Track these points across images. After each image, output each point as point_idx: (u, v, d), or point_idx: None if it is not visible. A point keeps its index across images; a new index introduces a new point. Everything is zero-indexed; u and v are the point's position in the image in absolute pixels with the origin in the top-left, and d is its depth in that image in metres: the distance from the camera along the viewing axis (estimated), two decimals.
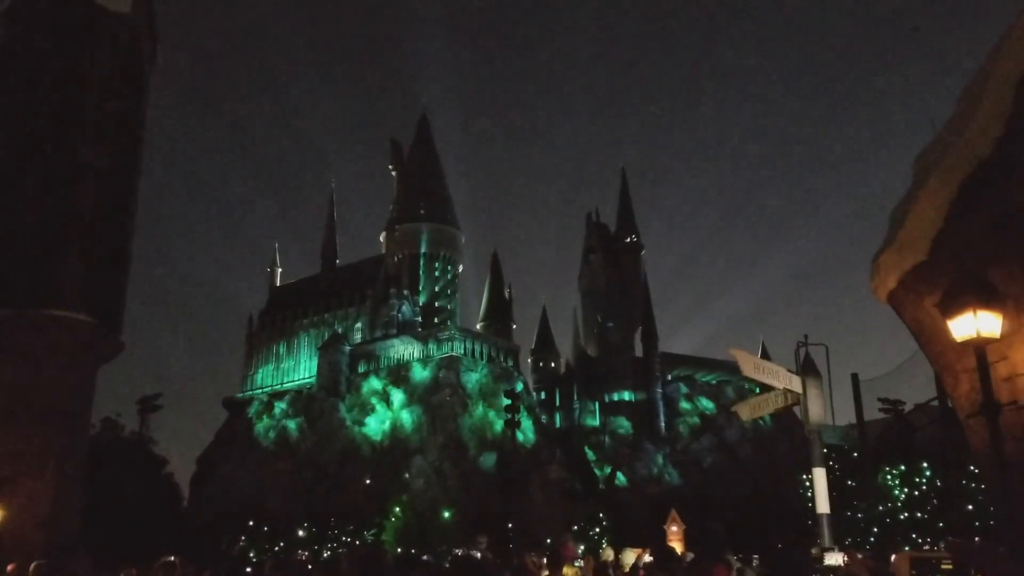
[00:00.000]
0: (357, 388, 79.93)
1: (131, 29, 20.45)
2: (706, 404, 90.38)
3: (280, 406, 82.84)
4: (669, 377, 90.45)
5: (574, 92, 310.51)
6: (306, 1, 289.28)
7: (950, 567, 5.92)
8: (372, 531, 60.08)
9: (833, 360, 11.44)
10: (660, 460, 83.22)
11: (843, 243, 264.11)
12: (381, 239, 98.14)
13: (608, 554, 11.36)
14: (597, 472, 75.26)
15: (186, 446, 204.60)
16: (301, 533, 58.96)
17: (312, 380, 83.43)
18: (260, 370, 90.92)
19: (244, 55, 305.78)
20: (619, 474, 77.44)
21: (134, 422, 45.35)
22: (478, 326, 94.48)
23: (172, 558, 9.90)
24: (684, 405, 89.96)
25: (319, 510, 63.95)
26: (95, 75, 18.94)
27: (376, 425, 77.09)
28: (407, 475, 71.15)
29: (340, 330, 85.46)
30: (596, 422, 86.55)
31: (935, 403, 13.04)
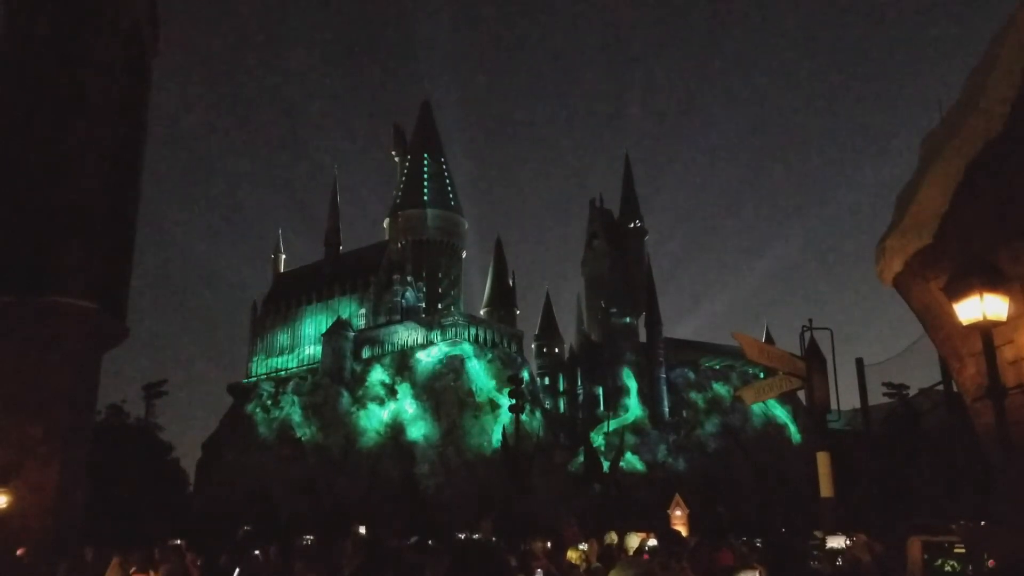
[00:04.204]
0: (362, 379, 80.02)
1: (132, 14, 20.39)
2: (712, 389, 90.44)
3: (284, 392, 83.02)
4: (673, 362, 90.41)
5: (578, 77, 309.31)
6: None
7: (962, 551, 5.91)
8: (376, 517, 60.28)
9: (838, 344, 11.40)
10: (664, 445, 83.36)
11: (848, 227, 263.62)
12: (384, 225, 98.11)
13: (612, 538, 11.38)
14: (601, 457, 75.32)
15: (192, 432, 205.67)
16: (306, 518, 59.20)
17: (316, 366, 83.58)
18: (264, 356, 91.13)
19: (246, 40, 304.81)
20: (628, 456, 77.57)
21: (140, 408, 45.61)
22: (482, 312, 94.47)
23: (178, 542, 9.97)
24: (688, 390, 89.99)
25: (323, 496, 64.22)
26: (96, 60, 18.88)
27: (380, 412, 77.27)
28: (411, 461, 71.41)
29: (344, 316, 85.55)
30: (600, 407, 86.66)
31: (940, 387, 12.99)
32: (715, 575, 6.05)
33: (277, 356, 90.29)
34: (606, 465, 72.30)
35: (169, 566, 8.68)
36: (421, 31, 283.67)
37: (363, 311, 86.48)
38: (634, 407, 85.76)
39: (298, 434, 77.72)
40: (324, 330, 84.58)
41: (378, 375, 79.62)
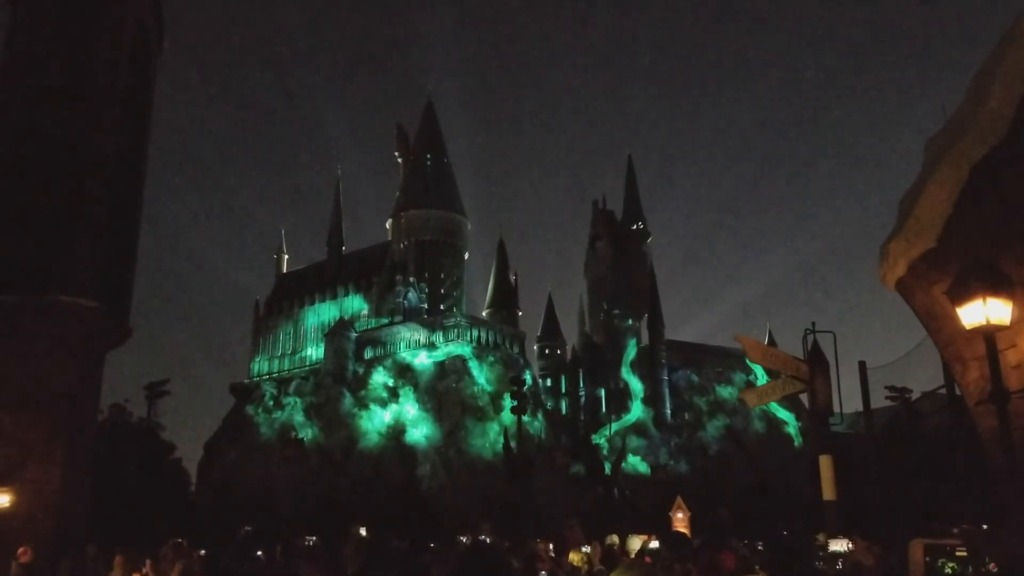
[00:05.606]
0: (364, 380, 79.97)
1: (137, 14, 20.43)
2: (715, 391, 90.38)
3: (286, 393, 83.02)
4: (676, 365, 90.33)
5: (582, 78, 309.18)
6: None
7: (964, 554, 5.92)
8: (377, 518, 60.24)
9: (840, 347, 11.38)
10: (667, 447, 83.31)
11: (851, 231, 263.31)
12: (387, 226, 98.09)
13: (613, 539, 11.38)
14: (604, 460, 75.32)
15: (194, 432, 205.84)
16: (307, 519, 59.17)
17: (318, 367, 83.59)
18: (266, 356, 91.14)
19: (250, 42, 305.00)
20: (630, 458, 77.50)
21: (142, 408, 45.60)
22: (484, 313, 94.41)
23: (180, 540, 9.99)
24: (691, 393, 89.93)
25: (325, 497, 64.17)
26: (100, 59, 18.92)
27: (382, 413, 77.25)
28: (412, 462, 71.40)
29: (346, 317, 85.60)
30: (602, 409, 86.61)
31: (943, 391, 12.98)
32: None
33: (279, 356, 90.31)
34: (608, 467, 72.29)
35: (185, 562, 8.71)
36: (424, 31, 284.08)
37: (365, 312, 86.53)
38: (636, 409, 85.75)
39: (300, 435, 77.67)
40: (326, 331, 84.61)
41: (380, 377, 79.61)
